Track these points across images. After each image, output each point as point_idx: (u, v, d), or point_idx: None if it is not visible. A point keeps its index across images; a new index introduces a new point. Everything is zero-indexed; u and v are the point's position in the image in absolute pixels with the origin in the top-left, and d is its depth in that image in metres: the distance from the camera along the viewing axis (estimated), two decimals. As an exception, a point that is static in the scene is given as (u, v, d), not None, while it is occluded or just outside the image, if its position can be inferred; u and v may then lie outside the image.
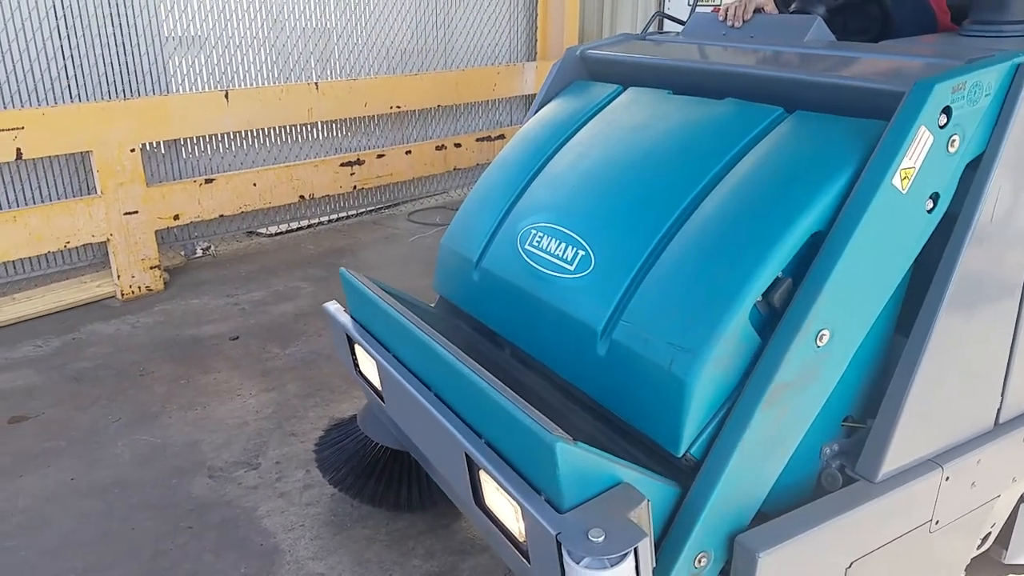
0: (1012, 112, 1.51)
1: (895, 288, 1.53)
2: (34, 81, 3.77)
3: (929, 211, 1.49)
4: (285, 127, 4.72)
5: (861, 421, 1.62)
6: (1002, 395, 1.71)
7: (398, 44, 5.14)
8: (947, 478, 1.62)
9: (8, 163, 3.69)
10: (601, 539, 1.20)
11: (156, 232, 4.04)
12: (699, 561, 1.39)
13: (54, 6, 3.74)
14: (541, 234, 1.86)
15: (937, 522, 1.65)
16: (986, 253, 1.56)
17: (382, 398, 1.99)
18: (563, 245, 1.79)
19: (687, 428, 1.44)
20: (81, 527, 2.37)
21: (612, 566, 1.18)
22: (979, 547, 1.88)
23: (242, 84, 4.51)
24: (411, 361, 1.78)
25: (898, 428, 1.51)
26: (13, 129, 3.51)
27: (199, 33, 4.34)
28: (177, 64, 4.30)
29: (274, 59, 4.65)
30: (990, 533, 1.89)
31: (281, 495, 2.50)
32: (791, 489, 1.58)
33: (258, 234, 4.98)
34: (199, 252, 4.63)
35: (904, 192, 1.42)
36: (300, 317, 3.78)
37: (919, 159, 1.42)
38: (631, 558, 1.19)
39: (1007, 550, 1.97)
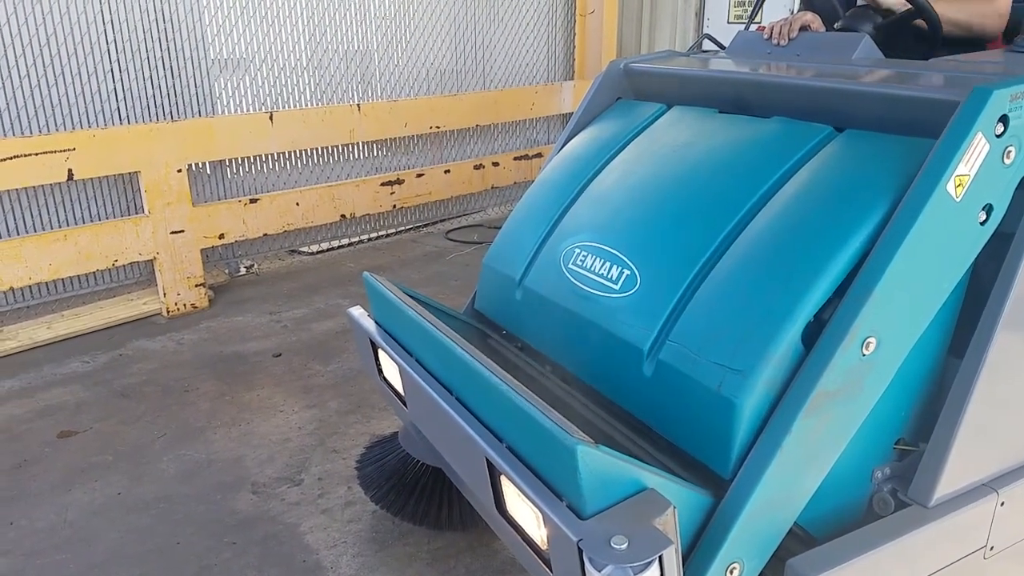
0: None
1: (945, 301, 1.49)
2: (84, 104, 3.87)
3: (982, 223, 1.46)
4: (327, 147, 4.78)
5: (914, 444, 1.58)
6: None
7: (437, 65, 5.19)
8: (1002, 503, 1.58)
9: (59, 183, 3.78)
10: (624, 546, 1.15)
11: (201, 251, 4.11)
12: (731, 572, 1.35)
13: (104, 31, 3.84)
14: (585, 253, 1.85)
15: (992, 548, 1.62)
16: None
17: (405, 403, 1.97)
18: (607, 264, 1.78)
19: (736, 450, 1.40)
20: (128, 541, 2.40)
21: (636, 575, 1.13)
22: None
23: (285, 106, 4.58)
24: (433, 365, 1.76)
25: (952, 452, 1.48)
26: (65, 151, 3.61)
27: (243, 56, 4.43)
28: (222, 86, 4.39)
29: (316, 81, 4.73)
30: None
31: (323, 511, 2.50)
32: (842, 512, 1.54)
33: (300, 252, 5.04)
34: (242, 270, 4.70)
35: (958, 200, 1.39)
36: (341, 334, 3.80)
37: (974, 167, 1.39)
38: (655, 566, 1.15)
39: None
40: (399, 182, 4.91)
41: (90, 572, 2.27)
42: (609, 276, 1.76)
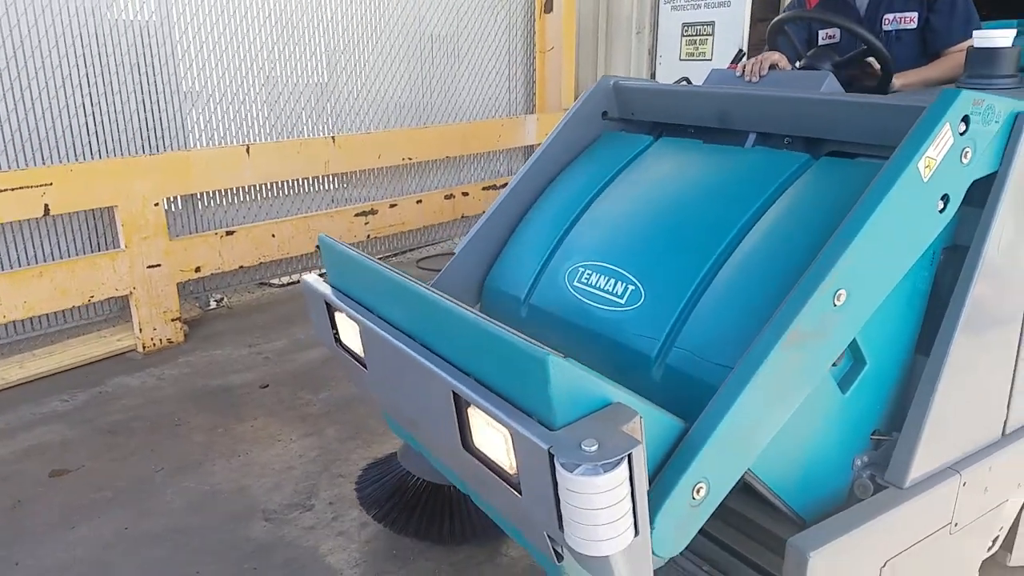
0: (1013, 157, 1.69)
1: (913, 304, 1.71)
2: (55, 138, 3.81)
3: (940, 211, 1.63)
4: (299, 180, 4.80)
5: (887, 434, 1.75)
6: (1008, 408, 1.89)
7: (397, 98, 5.28)
8: (964, 483, 1.76)
9: (34, 219, 3.70)
10: (594, 448, 1.19)
11: (177, 284, 4.06)
12: (697, 491, 1.40)
13: (77, 64, 3.81)
14: (589, 272, 1.98)
15: (956, 524, 1.79)
16: (993, 281, 1.72)
17: (364, 365, 1.95)
18: (612, 281, 1.91)
19: None
20: (146, 573, 2.36)
21: (606, 472, 1.16)
22: (988, 549, 2.02)
23: (257, 139, 4.59)
24: (394, 315, 1.76)
25: (922, 439, 1.66)
26: (41, 185, 3.54)
27: (216, 89, 4.43)
28: (195, 119, 4.38)
29: (287, 114, 4.75)
30: (998, 536, 2.03)
31: (340, 534, 2.51)
32: (828, 498, 1.71)
33: (270, 285, 5.01)
34: (213, 304, 4.65)
35: (925, 180, 1.56)
36: (326, 363, 3.80)
37: (940, 154, 1.57)
38: (624, 465, 1.19)
39: (1011, 553, 2.12)
40: (373, 212, 4.95)
41: (110, 607, 2.22)
42: (615, 292, 1.89)
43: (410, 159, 5.12)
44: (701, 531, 1.93)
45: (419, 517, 2.39)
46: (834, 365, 1.63)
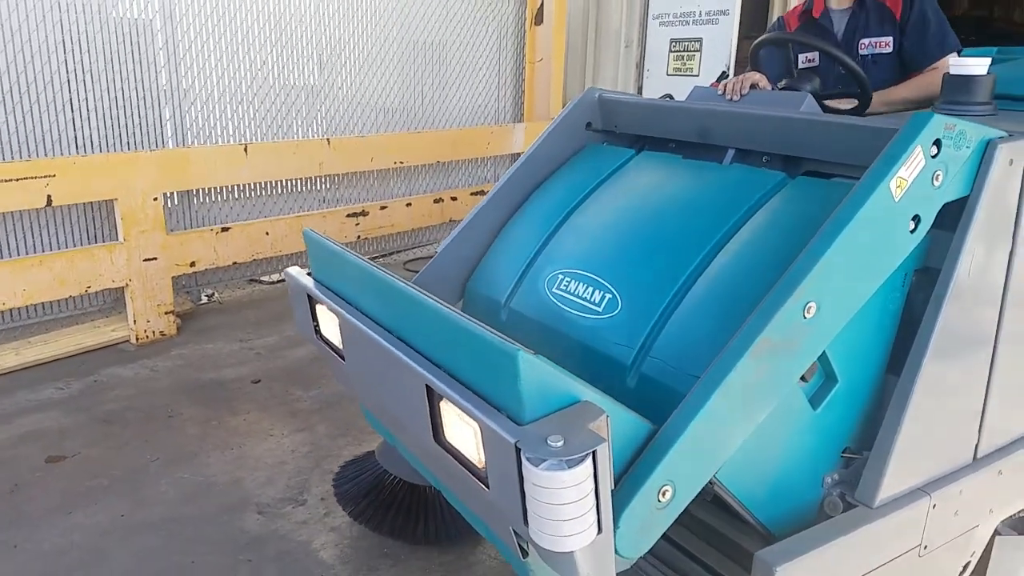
0: (984, 182, 1.72)
1: (884, 324, 1.74)
2: (59, 131, 3.89)
3: (911, 232, 1.66)
4: (293, 180, 4.90)
5: (858, 452, 1.77)
6: (979, 432, 1.91)
7: (384, 103, 5.39)
8: (934, 505, 1.78)
9: (36, 209, 3.77)
10: (560, 444, 1.21)
11: (172, 278, 4.15)
12: (663, 494, 1.41)
13: (82, 60, 3.89)
14: (568, 279, 2.02)
15: (926, 547, 1.81)
16: (964, 305, 1.75)
17: (343, 358, 1.99)
18: (590, 288, 1.94)
19: None
20: (142, 561, 2.46)
21: (570, 467, 1.18)
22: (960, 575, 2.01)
23: (254, 138, 4.68)
24: (372, 308, 1.79)
25: (892, 458, 1.68)
26: (45, 177, 3.62)
27: (215, 88, 4.52)
28: (193, 117, 4.46)
29: (282, 115, 4.85)
30: (969, 563, 2.02)
31: (332, 529, 2.63)
32: (797, 514, 1.74)
33: (260, 281, 5.10)
34: (204, 299, 4.73)
35: (896, 200, 1.60)
36: (316, 361, 3.91)
37: (912, 175, 1.61)
38: (589, 461, 1.20)
39: None
40: (364, 214, 5.06)
41: (109, 591, 2.33)
42: (592, 299, 1.93)
43: (401, 163, 5.24)
44: (669, 540, 1.98)
45: (394, 516, 2.47)
46: (805, 381, 1.66)
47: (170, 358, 3.93)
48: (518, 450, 1.22)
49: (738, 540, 1.91)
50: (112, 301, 4.27)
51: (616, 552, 1.35)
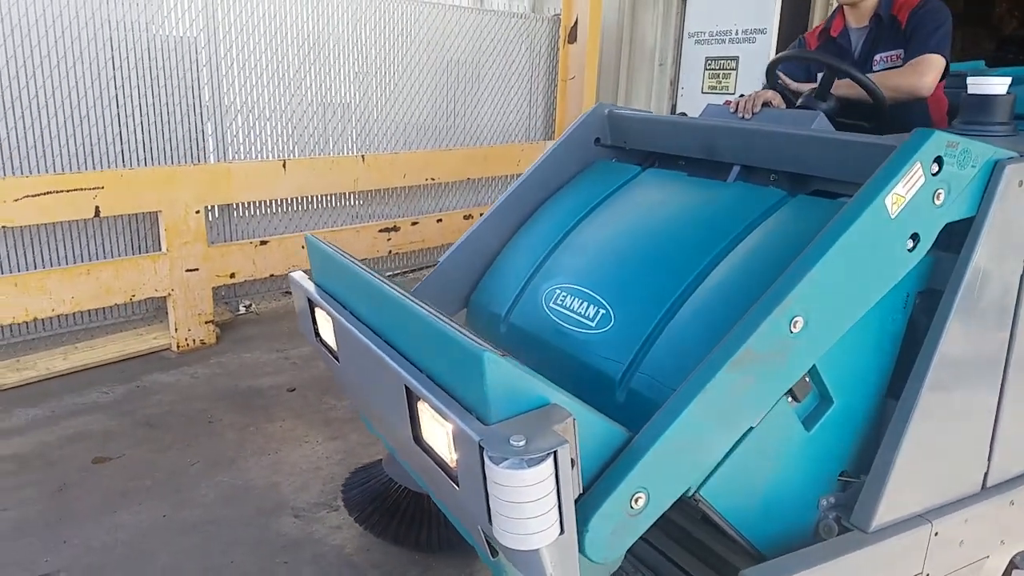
0: (990, 203, 1.70)
1: (885, 347, 1.71)
2: (107, 145, 4.06)
3: (910, 250, 1.62)
4: (327, 195, 5.04)
5: (856, 476, 1.75)
6: (988, 460, 1.85)
7: (416, 120, 5.53)
8: (936, 533, 1.74)
9: (85, 220, 3.94)
10: (522, 443, 1.22)
11: (212, 289, 4.29)
12: (636, 501, 1.40)
13: (129, 77, 4.06)
14: (565, 294, 2.05)
15: (928, 575, 1.77)
16: (969, 328, 1.71)
17: (337, 358, 2.03)
18: (585, 304, 1.97)
19: None
20: (182, 561, 2.56)
21: (530, 466, 1.19)
22: None
23: (291, 154, 4.83)
24: (363, 311, 1.82)
25: (889, 483, 1.65)
26: (94, 189, 3.78)
27: (255, 105, 4.68)
28: (234, 133, 4.62)
29: (320, 131, 5.00)
30: None
31: (363, 535, 2.70)
32: (789, 535, 1.72)
33: (295, 293, 5.22)
34: (242, 309, 4.87)
35: (892, 217, 1.56)
36: (349, 372, 4.01)
37: (910, 192, 1.59)
38: (550, 461, 1.21)
39: None
40: (395, 229, 5.18)
41: (153, 587, 2.43)
42: (586, 314, 1.96)
43: (433, 179, 5.36)
44: (659, 551, 1.98)
45: (398, 523, 2.54)
46: (798, 401, 1.65)
47: (209, 366, 4.06)
48: (481, 448, 1.24)
49: (727, 557, 1.90)
50: (155, 310, 4.43)
51: (585, 555, 1.37)
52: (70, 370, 3.84)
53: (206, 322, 4.27)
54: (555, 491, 1.23)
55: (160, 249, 4.12)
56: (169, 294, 4.12)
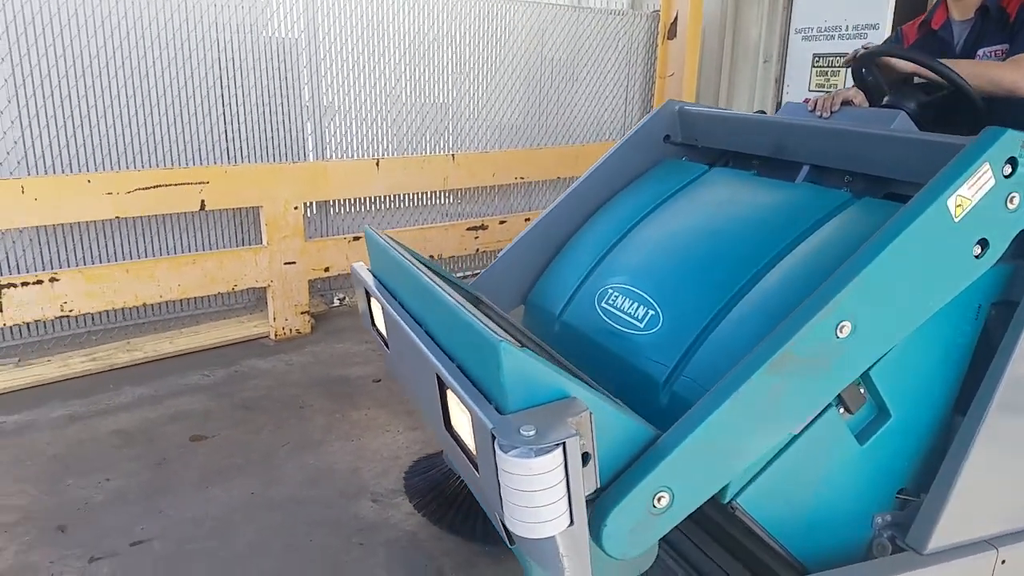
0: None
1: (955, 359, 1.60)
2: (213, 142, 4.29)
3: (977, 257, 1.52)
4: (418, 193, 5.15)
5: (916, 495, 1.67)
6: None
7: (509, 120, 5.58)
8: (1003, 561, 1.65)
9: (191, 212, 4.18)
10: (532, 433, 1.23)
11: (308, 281, 4.46)
12: (658, 500, 1.37)
13: (234, 77, 4.28)
14: (617, 294, 2.03)
15: None
16: None
17: (387, 345, 2.08)
18: (635, 304, 1.95)
19: (735, 478, 1.52)
20: (266, 536, 2.67)
21: (538, 456, 1.21)
22: None
23: (386, 153, 4.97)
24: (407, 300, 1.85)
25: (950, 503, 1.56)
26: (200, 183, 4.00)
27: (352, 106, 4.84)
28: (332, 132, 4.80)
29: (412, 132, 5.12)
30: None
31: (450, 525, 2.74)
32: (837, 550, 1.65)
33: (386, 288, 5.37)
34: (336, 302, 5.04)
35: (956, 220, 1.47)
36: (434, 365, 4.08)
37: (977, 194, 1.47)
38: (558, 452, 1.22)
39: None
40: (483, 227, 5.24)
41: (238, 560, 2.54)
42: (636, 315, 1.93)
43: (522, 178, 5.39)
44: (705, 554, 1.92)
45: (454, 513, 2.57)
46: (850, 413, 1.58)
47: (304, 354, 4.22)
48: (493, 436, 1.26)
49: (771, 564, 1.83)
50: (255, 300, 4.64)
51: (603, 550, 1.36)
52: (175, 353, 4.08)
53: (302, 313, 4.44)
54: (564, 482, 1.24)
55: (261, 242, 4.32)
56: (268, 285, 4.31)
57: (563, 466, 1.23)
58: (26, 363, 3.84)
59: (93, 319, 4.12)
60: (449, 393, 1.51)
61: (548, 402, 1.31)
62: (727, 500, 1.50)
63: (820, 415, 1.53)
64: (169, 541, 2.62)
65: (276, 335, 4.36)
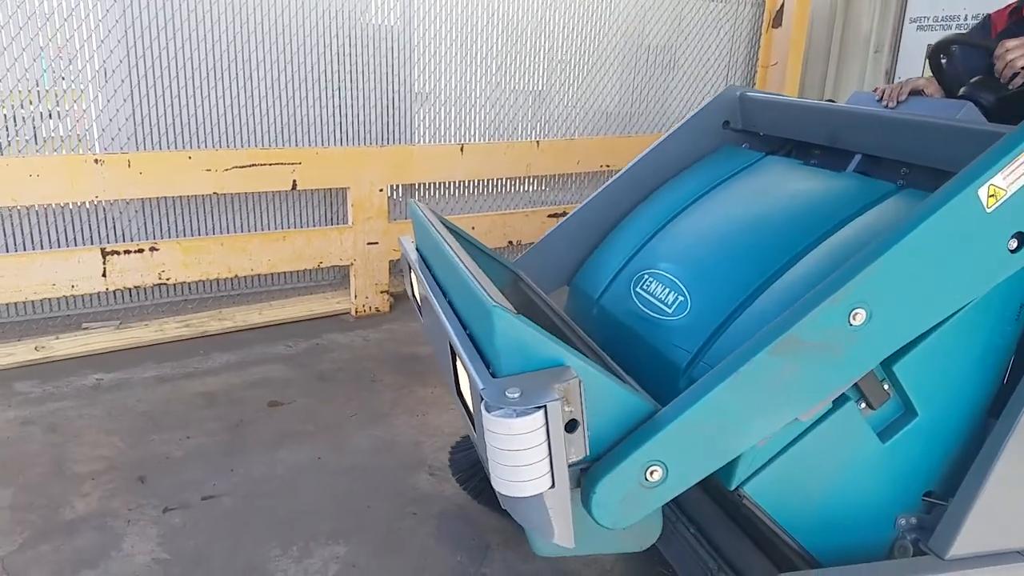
0: None
1: (991, 361, 1.53)
2: (308, 124, 4.48)
3: (1012, 251, 1.45)
4: (502, 179, 5.22)
5: (943, 498, 1.63)
6: None
7: (615, 107, 5.55)
8: None
9: (283, 192, 4.40)
10: (516, 395, 1.27)
11: (389, 262, 4.61)
12: (651, 473, 1.37)
13: (331, 62, 4.45)
14: (651, 279, 2.06)
15: None
16: None
17: (422, 315, 2.14)
18: (667, 290, 1.97)
19: (742, 464, 1.52)
20: (327, 499, 2.81)
21: (519, 416, 1.24)
22: None
23: (473, 139, 5.05)
24: (437, 271, 1.90)
25: (975, 509, 1.52)
26: (292, 164, 4.20)
27: (443, 92, 4.94)
28: (421, 118, 4.92)
29: (502, 118, 5.18)
30: None
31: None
32: (856, 549, 1.63)
33: (468, 272, 5.48)
34: (417, 282, 5.19)
35: (988, 211, 1.41)
36: (505, 349, 4.15)
37: (1014, 185, 1.40)
38: (539, 415, 1.25)
39: None
40: (564, 214, 5.24)
41: (299, 518, 2.69)
42: (666, 301, 1.95)
43: (607, 166, 5.36)
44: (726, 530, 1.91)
45: (491, 489, 2.62)
46: (872, 408, 1.54)
47: (381, 331, 4.38)
48: (481, 398, 1.31)
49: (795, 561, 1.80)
50: (339, 277, 4.84)
51: (592, 517, 1.38)
52: (262, 324, 4.31)
53: (382, 292, 4.60)
54: (546, 444, 1.27)
55: (346, 222, 4.50)
56: (352, 264, 4.49)
57: (544, 428, 1.26)
58: (125, 326, 4.16)
59: (189, 288, 4.41)
60: (458, 360, 1.56)
61: (541, 369, 1.34)
62: (733, 487, 1.50)
63: (837, 407, 1.50)
64: (237, 497, 2.80)
65: (356, 312, 4.54)
